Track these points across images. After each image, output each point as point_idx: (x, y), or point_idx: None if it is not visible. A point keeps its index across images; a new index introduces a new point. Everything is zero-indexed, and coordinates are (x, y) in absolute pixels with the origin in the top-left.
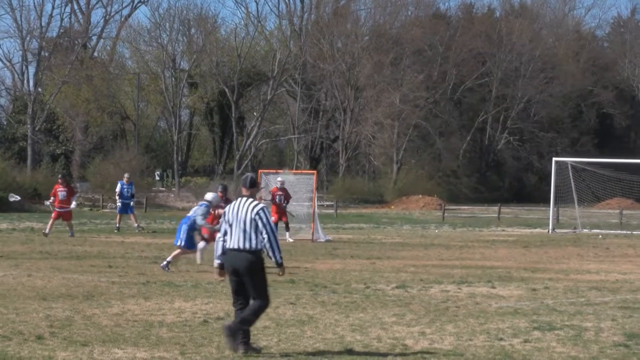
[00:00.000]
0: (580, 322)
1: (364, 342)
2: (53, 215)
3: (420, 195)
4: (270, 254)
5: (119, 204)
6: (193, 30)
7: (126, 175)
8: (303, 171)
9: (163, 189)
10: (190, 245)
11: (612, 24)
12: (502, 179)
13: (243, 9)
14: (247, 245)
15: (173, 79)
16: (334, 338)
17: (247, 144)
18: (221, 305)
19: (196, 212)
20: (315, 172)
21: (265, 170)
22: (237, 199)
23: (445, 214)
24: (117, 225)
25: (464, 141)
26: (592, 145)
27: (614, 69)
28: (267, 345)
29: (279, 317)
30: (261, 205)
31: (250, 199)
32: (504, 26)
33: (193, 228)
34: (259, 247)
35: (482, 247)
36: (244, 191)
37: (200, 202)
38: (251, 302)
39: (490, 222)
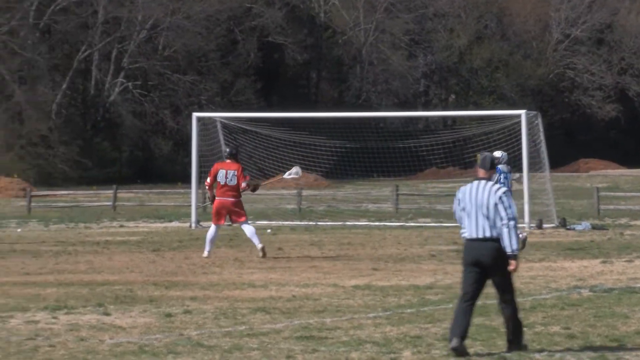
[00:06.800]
0: None
1: None
2: None
3: None
4: (507, 242)
5: None
6: None
7: None
8: None
9: None
10: None
11: None
12: (118, 147)
13: None
14: (494, 234)
15: None
16: None
17: None
18: None
19: None
20: None
21: None
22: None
23: (32, 204)
24: None
25: (59, 91)
26: (254, 92)
27: None
28: None
29: None
30: (504, 188)
31: (490, 182)
32: None
33: None
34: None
35: (90, 252)
36: (482, 173)
37: None
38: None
39: (102, 213)
